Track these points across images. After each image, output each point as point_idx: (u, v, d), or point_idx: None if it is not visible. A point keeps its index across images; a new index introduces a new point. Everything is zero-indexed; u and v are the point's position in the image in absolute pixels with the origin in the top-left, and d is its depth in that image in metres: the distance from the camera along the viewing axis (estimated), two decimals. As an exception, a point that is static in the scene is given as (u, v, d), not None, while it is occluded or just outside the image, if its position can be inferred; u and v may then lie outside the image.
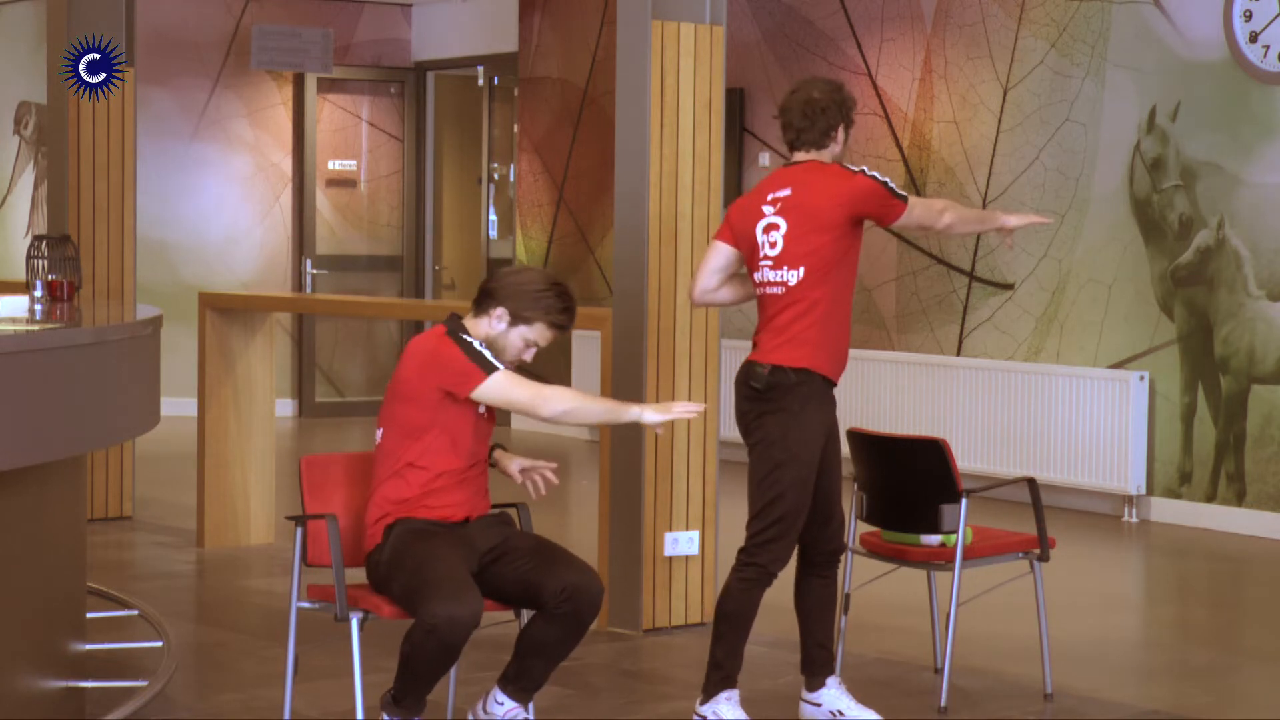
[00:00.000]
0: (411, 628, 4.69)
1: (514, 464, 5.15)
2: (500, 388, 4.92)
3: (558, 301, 5.02)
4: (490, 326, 5.02)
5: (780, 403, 5.30)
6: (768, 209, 5.39)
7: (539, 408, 4.96)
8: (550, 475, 5.14)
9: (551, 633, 4.85)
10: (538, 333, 5.02)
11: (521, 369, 5.09)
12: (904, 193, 5.39)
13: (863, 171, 5.40)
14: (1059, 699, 5.91)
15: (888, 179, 5.39)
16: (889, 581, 6.34)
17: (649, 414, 5.00)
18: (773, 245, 5.35)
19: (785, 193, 5.39)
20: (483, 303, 5.04)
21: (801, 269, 5.31)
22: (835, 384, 5.40)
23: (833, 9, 11.05)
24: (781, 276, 5.34)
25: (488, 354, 4.96)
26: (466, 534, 4.94)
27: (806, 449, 5.30)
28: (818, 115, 5.42)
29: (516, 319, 5.00)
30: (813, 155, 5.46)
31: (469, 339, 4.98)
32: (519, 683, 4.97)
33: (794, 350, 5.30)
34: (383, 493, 4.98)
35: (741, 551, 5.37)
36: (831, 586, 5.54)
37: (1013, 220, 5.52)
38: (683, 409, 5.00)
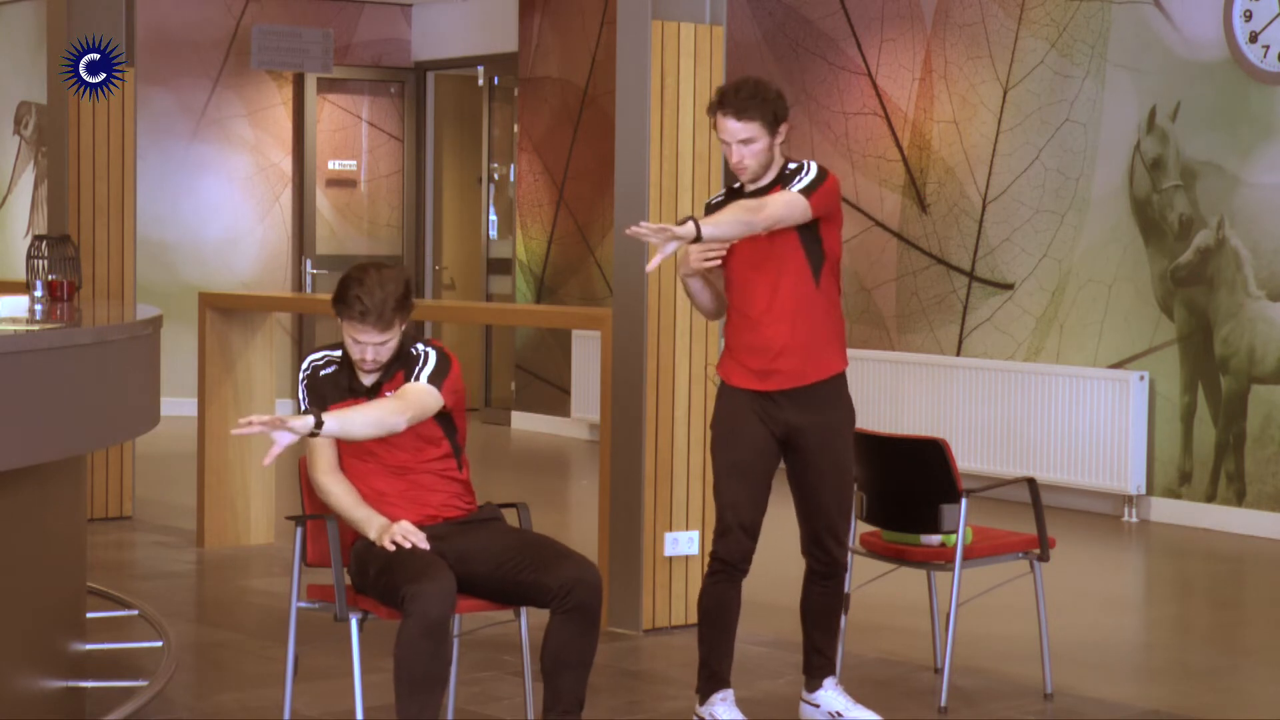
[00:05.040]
0: (398, 628, 4.67)
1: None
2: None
3: (348, 290, 4.86)
4: None
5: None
6: None
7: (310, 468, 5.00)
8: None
9: (565, 634, 4.78)
10: (349, 328, 4.89)
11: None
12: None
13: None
14: (1059, 699, 5.91)
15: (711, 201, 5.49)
16: (889, 581, 6.34)
17: (372, 534, 4.87)
18: None
19: None
20: None
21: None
22: (751, 390, 5.37)
23: (833, 9, 11.05)
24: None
25: (300, 396, 4.99)
26: (435, 531, 4.92)
27: (723, 439, 5.36)
28: None
29: (340, 319, 4.93)
30: None
31: (301, 373, 5.03)
32: (558, 709, 4.82)
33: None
34: None
35: None
36: (831, 596, 5.52)
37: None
38: (399, 537, 4.82)
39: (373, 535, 4.86)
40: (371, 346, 4.88)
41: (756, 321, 5.32)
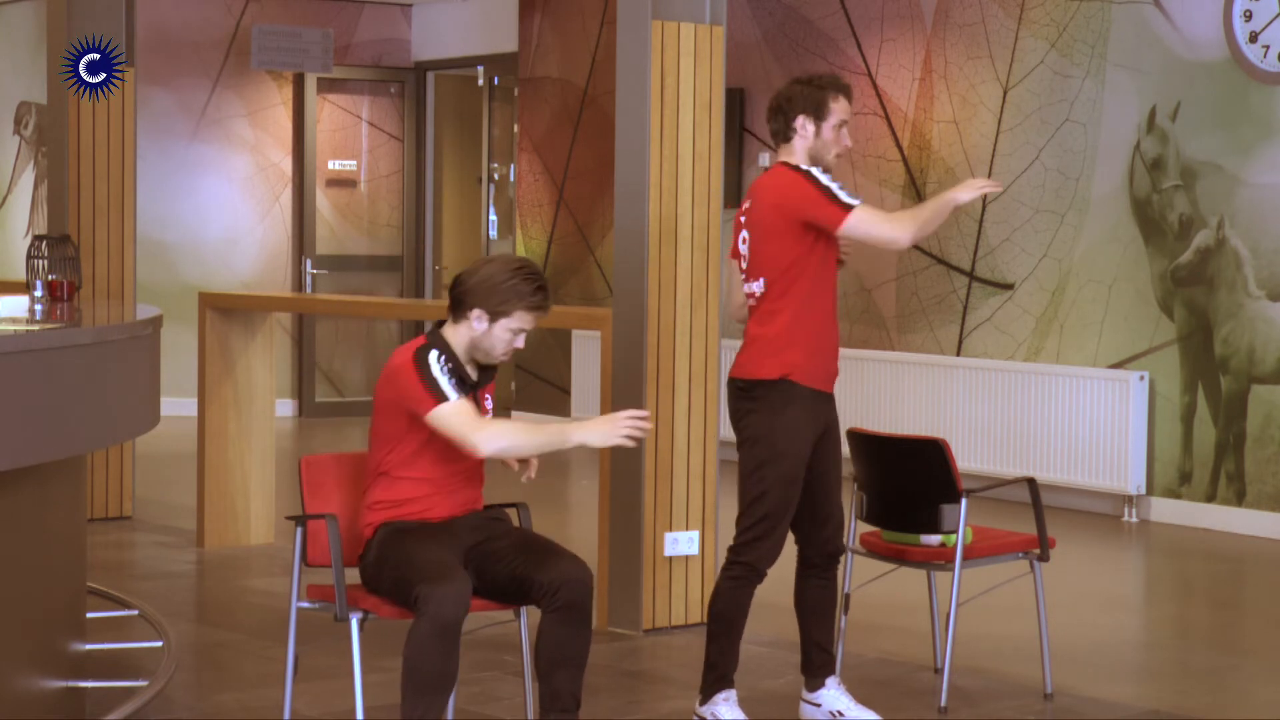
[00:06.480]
0: (410, 627, 4.67)
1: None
2: (443, 419, 4.87)
3: (528, 285, 4.95)
4: (472, 330, 4.96)
5: (764, 400, 5.31)
6: (743, 219, 5.43)
7: (476, 446, 4.86)
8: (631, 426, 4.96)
9: (557, 632, 4.79)
10: (519, 320, 4.96)
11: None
12: (852, 201, 5.24)
13: (808, 174, 5.29)
14: (1059, 699, 5.91)
15: (835, 184, 5.26)
16: (889, 581, 6.35)
17: (592, 436, 4.88)
18: (745, 257, 5.43)
19: (748, 203, 5.44)
20: (457, 309, 4.98)
21: (763, 279, 5.34)
22: (822, 391, 5.38)
23: (833, 9, 11.06)
24: (751, 288, 5.40)
25: (443, 381, 4.88)
26: (451, 529, 4.94)
27: (791, 446, 5.29)
28: (780, 109, 5.40)
29: (495, 315, 4.94)
30: (783, 153, 5.42)
31: (430, 362, 4.91)
32: (554, 708, 4.82)
33: (766, 361, 5.31)
34: (369, 498, 5.00)
35: (730, 550, 5.39)
36: (830, 588, 5.54)
37: (964, 195, 5.25)
38: (627, 427, 4.84)
39: (591, 438, 4.88)
40: (523, 335, 5.03)
41: (831, 317, 5.39)
